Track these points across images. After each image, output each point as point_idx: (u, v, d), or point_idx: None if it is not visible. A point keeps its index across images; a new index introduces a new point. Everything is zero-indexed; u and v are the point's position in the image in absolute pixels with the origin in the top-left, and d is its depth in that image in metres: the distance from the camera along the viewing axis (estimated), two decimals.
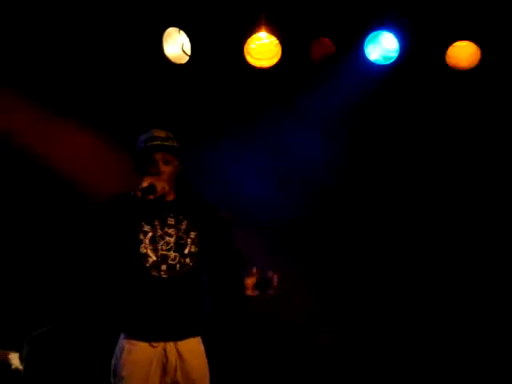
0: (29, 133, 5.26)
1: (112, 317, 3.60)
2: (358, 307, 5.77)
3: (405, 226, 5.85)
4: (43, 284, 5.31)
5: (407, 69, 5.62)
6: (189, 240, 3.56)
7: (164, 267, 3.50)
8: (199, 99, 5.66)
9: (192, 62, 5.48)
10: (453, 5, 5.43)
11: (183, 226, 3.57)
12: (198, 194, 3.81)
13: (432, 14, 5.45)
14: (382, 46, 5.54)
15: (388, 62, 5.57)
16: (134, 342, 3.50)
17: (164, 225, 3.54)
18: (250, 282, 3.49)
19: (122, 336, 3.56)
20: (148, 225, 3.53)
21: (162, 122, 5.37)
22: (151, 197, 3.44)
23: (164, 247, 3.51)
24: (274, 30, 5.42)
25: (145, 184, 3.44)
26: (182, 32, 5.43)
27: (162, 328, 3.50)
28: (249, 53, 5.47)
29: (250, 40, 5.45)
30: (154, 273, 3.49)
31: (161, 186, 3.48)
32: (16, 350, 4.53)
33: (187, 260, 3.53)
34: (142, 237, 3.51)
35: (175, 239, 3.54)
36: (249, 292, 3.49)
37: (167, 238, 3.53)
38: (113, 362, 3.57)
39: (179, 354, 3.51)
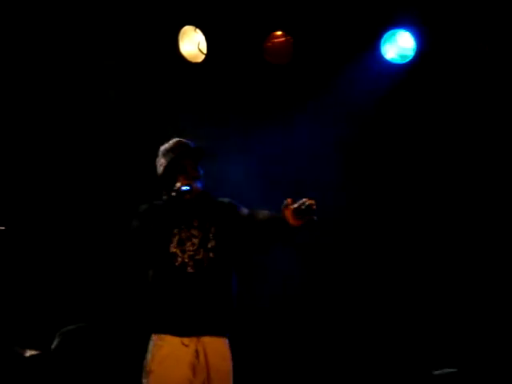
0: None
1: (143, 316, 3.70)
2: (357, 307, 5.76)
3: (405, 226, 5.84)
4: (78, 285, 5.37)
5: (424, 68, 5.60)
6: (210, 235, 3.71)
7: (191, 263, 3.65)
8: (215, 98, 5.63)
9: (208, 60, 5.46)
10: (468, 3, 5.43)
11: (206, 225, 3.73)
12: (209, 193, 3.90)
13: (448, 12, 5.45)
14: (399, 45, 5.54)
15: (404, 61, 5.56)
16: (164, 337, 3.59)
17: (190, 226, 3.71)
18: (288, 211, 3.48)
19: (153, 336, 3.65)
20: (176, 227, 3.70)
21: (176, 120, 5.45)
22: (187, 196, 3.66)
23: (191, 248, 3.67)
24: (290, 29, 5.41)
25: (182, 185, 3.65)
26: (198, 30, 5.42)
27: (190, 321, 3.59)
28: (265, 51, 5.46)
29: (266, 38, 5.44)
30: (182, 269, 3.63)
31: (195, 187, 3.71)
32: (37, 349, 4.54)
33: (211, 254, 3.67)
34: (171, 238, 3.68)
35: (199, 239, 3.69)
36: (292, 221, 3.48)
37: (193, 240, 3.69)
38: (144, 362, 3.64)
39: (207, 355, 3.59)
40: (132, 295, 5.06)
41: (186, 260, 3.63)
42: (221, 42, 5.49)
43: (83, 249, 5.42)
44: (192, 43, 5.46)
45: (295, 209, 3.45)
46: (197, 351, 3.57)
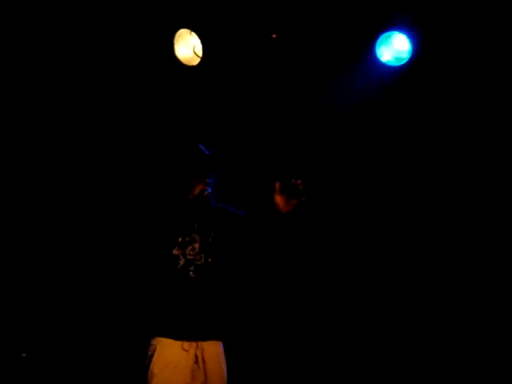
0: None
1: (143, 318, 3.81)
2: (356, 308, 5.75)
3: (405, 226, 5.83)
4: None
5: (419, 70, 5.59)
6: (210, 240, 3.82)
7: (192, 268, 3.74)
8: (210, 101, 5.64)
9: (203, 63, 5.46)
10: (463, 6, 5.42)
11: (205, 230, 3.84)
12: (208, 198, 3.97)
13: (443, 15, 5.44)
14: (394, 48, 5.53)
15: (400, 64, 5.55)
16: (165, 340, 3.68)
17: (191, 230, 3.82)
18: (279, 198, 3.64)
19: (153, 339, 3.73)
20: (179, 230, 3.81)
21: (173, 124, 5.46)
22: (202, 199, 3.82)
23: (191, 252, 3.76)
24: (286, 31, 5.41)
25: (201, 190, 3.83)
26: (193, 33, 5.42)
27: (191, 325, 3.69)
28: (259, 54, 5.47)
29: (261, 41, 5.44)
30: (184, 273, 3.73)
31: (209, 193, 3.91)
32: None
33: (210, 259, 3.78)
34: (174, 240, 3.78)
35: (200, 243, 3.79)
36: (283, 207, 3.62)
37: (194, 244, 3.78)
38: (146, 365, 3.72)
39: (204, 360, 3.70)
40: (132, 295, 5.08)
41: (188, 264, 3.72)
42: (216, 45, 5.49)
43: (83, 249, 5.45)
44: (187, 46, 5.47)
45: (282, 188, 3.60)
46: (196, 356, 3.67)
